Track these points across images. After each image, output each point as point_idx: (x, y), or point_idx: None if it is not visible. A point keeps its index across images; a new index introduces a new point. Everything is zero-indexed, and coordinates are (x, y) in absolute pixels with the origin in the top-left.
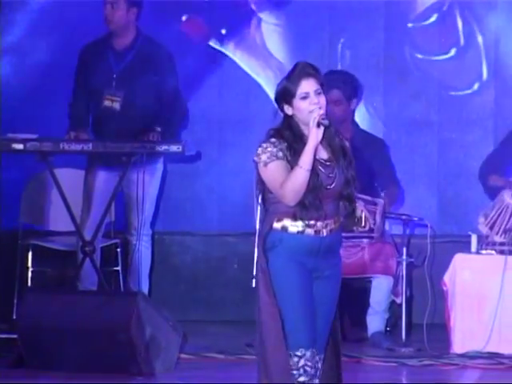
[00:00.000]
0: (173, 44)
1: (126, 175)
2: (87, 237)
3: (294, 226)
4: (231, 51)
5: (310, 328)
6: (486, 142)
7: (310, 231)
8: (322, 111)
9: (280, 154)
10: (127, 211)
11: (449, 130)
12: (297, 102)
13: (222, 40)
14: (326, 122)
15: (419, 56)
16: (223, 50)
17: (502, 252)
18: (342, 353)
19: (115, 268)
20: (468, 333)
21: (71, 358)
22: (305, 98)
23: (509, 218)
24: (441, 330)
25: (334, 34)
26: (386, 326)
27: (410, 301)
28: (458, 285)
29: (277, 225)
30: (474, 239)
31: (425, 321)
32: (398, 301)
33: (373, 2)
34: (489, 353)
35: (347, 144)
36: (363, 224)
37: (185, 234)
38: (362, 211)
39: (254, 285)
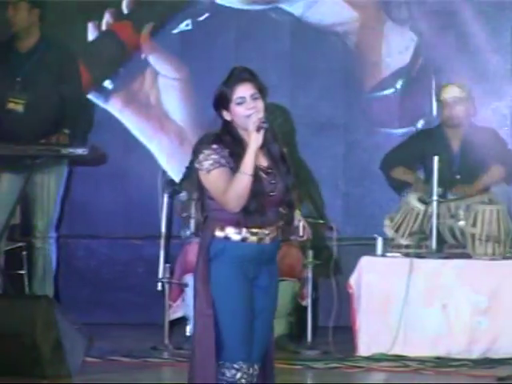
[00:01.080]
0: None
1: (30, 178)
2: None
3: (237, 234)
4: (117, 110)
5: (247, 341)
6: (390, 144)
7: (253, 239)
8: (261, 115)
9: (223, 160)
10: (32, 214)
11: (355, 131)
12: (233, 107)
13: (106, 95)
14: (265, 125)
15: None
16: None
17: (407, 255)
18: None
19: (20, 271)
20: (373, 335)
21: None
22: (241, 103)
23: (414, 221)
24: (346, 332)
25: None
26: (292, 330)
27: (315, 303)
28: (363, 287)
29: (219, 233)
30: (379, 242)
31: (330, 323)
32: (304, 303)
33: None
34: (394, 355)
35: (285, 150)
36: (301, 233)
37: (90, 237)
38: (299, 220)
39: (159, 288)
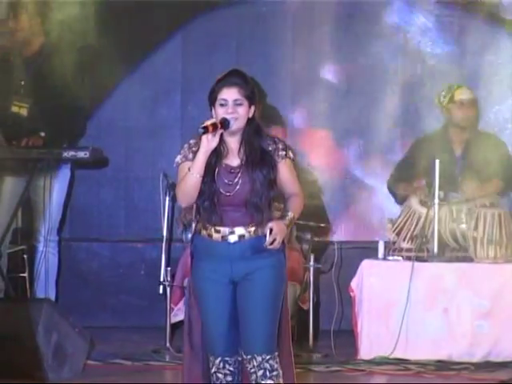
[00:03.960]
0: None
1: (32, 181)
2: None
3: (204, 230)
4: None
5: (220, 336)
6: (392, 147)
7: (216, 236)
8: (209, 122)
9: (190, 155)
10: (34, 217)
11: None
12: (216, 107)
13: None
14: (200, 130)
15: None
16: None
17: (408, 258)
18: (291, 353)
19: (22, 274)
20: (375, 339)
21: None
22: (222, 104)
23: (415, 225)
24: (348, 336)
25: None
26: (293, 333)
27: (317, 307)
28: (365, 291)
29: (197, 229)
30: (381, 245)
31: (332, 327)
32: (305, 307)
33: None
34: (395, 358)
35: (290, 154)
36: (266, 241)
37: (92, 240)
38: (270, 228)
39: (160, 291)
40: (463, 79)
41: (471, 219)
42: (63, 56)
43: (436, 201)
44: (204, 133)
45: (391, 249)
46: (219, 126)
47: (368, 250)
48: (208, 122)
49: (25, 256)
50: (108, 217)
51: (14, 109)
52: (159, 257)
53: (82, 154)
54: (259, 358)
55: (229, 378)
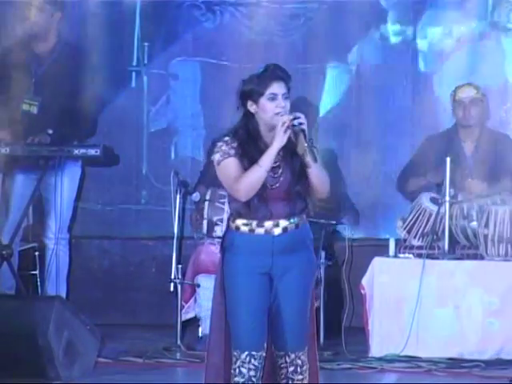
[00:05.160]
0: None
1: (43, 179)
2: (5, 240)
3: (245, 226)
4: None
5: (251, 330)
6: (405, 145)
7: (260, 230)
8: (291, 117)
9: (232, 151)
10: (45, 215)
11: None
12: (264, 101)
13: None
14: (297, 128)
15: None
16: None
17: (419, 255)
18: (316, 350)
19: (33, 272)
20: (386, 336)
21: None
22: (273, 99)
23: (426, 222)
24: (359, 333)
25: None
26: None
27: (328, 304)
28: (376, 288)
29: (232, 224)
30: (391, 243)
31: (343, 324)
32: (316, 304)
33: None
34: (406, 356)
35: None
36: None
37: (103, 238)
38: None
39: (171, 289)
40: (474, 77)
41: (482, 217)
42: (75, 54)
43: (447, 198)
44: (285, 131)
45: (402, 246)
46: (290, 124)
47: (379, 247)
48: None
49: (36, 253)
50: (119, 214)
51: (25, 106)
52: (170, 254)
53: (92, 152)
54: (292, 356)
55: (252, 373)
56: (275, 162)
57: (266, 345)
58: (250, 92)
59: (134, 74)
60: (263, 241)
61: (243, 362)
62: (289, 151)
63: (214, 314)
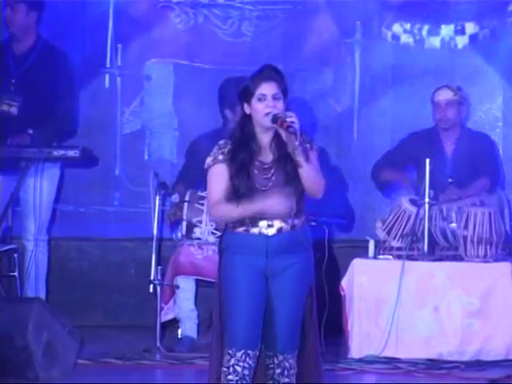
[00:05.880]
0: None
1: (22, 180)
2: None
3: (240, 226)
4: None
5: (245, 329)
6: (384, 147)
7: (254, 230)
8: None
9: (221, 156)
10: (24, 217)
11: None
12: (254, 101)
13: None
14: (291, 129)
15: None
16: None
17: (399, 257)
18: (319, 352)
19: (12, 273)
20: (365, 337)
21: None
22: (261, 99)
23: (406, 223)
24: (338, 334)
25: None
26: None
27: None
28: (355, 289)
29: (229, 225)
30: (371, 244)
31: (322, 326)
32: None
33: None
34: (386, 357)
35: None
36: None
37: (82, 239)
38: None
39: (151, 290)
40: (454, 77)
41: (461, 218)
42: (53, 55)
43: (426, 200)
44: (273, 122)
45: (382, 247)
46: (285, 127)
47: (358, 248)
48: (281, 114)
49: (15, 255)
50: (98, 216)
51: (4, 107)
52: (149, 256)
53: (72, 153)
54: (281, 357)
55: (246, 372)
56: (265, 166)
57: (260, 344)
58: (244, 93)
59: (107, 75)
60: (257, 241)
61: (238, 361)
62: (283, 152)
63: (214, 314)
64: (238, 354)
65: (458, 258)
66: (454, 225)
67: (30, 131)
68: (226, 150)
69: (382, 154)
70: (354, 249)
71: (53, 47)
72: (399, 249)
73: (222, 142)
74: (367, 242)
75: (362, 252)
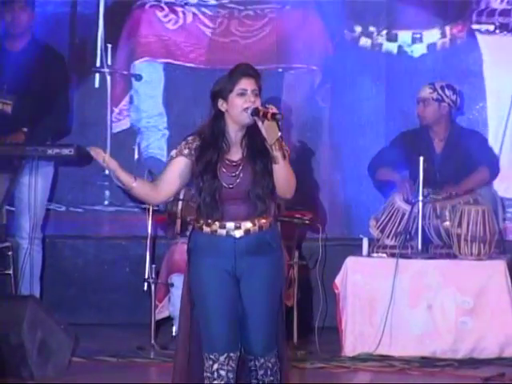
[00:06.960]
0: None
1: (16, 178)
2: None
3: (207, 227)
4: None
5: (225, 333)
6: (378, 145)
7: (221, 232)
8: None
9: (186, 151)
10: (18, 215)
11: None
12: (233, 97)
13: None
14: (278, 116)
15: None
16: None
17: (392, 255)
18: (285, 354)
19: (6, 271)
20: (359, 335)
21: None
22: (242, 94)
23: (399, 222)
24: (332, 332)
25: None
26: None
27: (301, 304)
28: (349, 288)
29: (196, 225)
30: (365, 242)
31: (316, 324)
32: (290, 304)
33: None
34: (380, 355)
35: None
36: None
37: (76, 237)
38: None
39: (145, 288)
40: (447, 76)
41: (455, 216)
42: (48, 54)
43: (420, 198)
44: (253, 115)
45: (375, 246)
46: (270, 116)
47: (352, 246)
48: (261, 107)
49: (10, 253)
50: (92, 214)
51: None
52: (144, 254)
53: (66, 152)
54: (262, 360)
55: (230, 375)
56: (232, 163)
57: (240, 345)
58: (220, 90)
59: (97, 74)
60: (225, 242)
61: (222, 365)
62: (254, 150)
63: (180, 314)
64: (221, 358)
65: (451, 256)
66: (447, 223)
67: (25, 129)
68: (193, 146)
69: (376, 152)
70: (348, 247)
71: (47, 46)
72: (393, 247)
73: (190, 137)
74: (361, 240)
75: (356, 250)
